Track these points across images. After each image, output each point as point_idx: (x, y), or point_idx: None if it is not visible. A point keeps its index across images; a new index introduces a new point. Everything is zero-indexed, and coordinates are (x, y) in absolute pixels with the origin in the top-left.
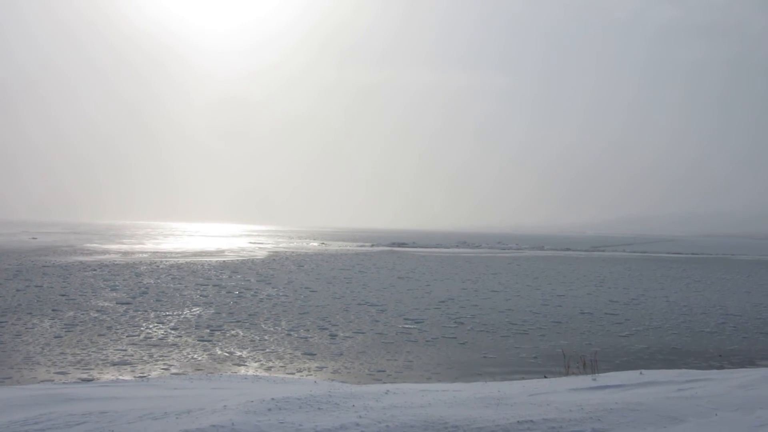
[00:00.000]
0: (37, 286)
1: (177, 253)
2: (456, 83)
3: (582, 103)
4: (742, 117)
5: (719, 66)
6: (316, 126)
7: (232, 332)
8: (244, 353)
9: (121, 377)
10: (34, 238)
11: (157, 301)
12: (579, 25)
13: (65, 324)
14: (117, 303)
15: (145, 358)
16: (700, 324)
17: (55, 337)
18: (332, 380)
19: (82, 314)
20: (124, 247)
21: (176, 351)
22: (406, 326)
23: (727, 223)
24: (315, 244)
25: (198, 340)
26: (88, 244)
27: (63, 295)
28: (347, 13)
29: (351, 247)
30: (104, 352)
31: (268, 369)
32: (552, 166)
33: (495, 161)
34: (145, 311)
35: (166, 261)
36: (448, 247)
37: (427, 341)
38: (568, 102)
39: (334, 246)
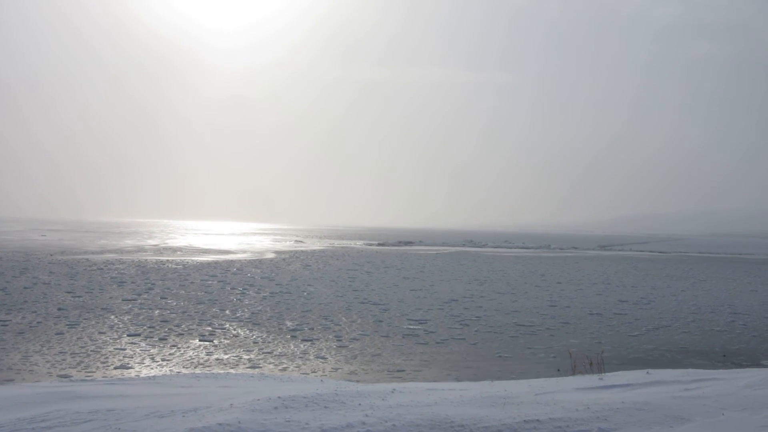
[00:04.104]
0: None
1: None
2: (459, 81)
3: (584, 100)
4: (743, 115)
5: (721, 64)
6: (319, 123)
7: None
8: (252, 353)
9: (127, 375)
10: (43, 236)
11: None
12: (582, 22)
13: (71, 322)
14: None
15: (151, 355)
16: (709, 323)
17: (57, 333)
18: (338, 379)
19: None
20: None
21: (180, 349)
22: (411, 327)
23: (731, 221)
24: (360, 243)
25: (200, 340)
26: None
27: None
28: (350, 11)
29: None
30: (111, 350)
31: (275, 368)
32: (554, 163)
33: (497, 158)
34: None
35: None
36: (454, 246)
37: (437, 342)
38: (571, 99)
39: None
